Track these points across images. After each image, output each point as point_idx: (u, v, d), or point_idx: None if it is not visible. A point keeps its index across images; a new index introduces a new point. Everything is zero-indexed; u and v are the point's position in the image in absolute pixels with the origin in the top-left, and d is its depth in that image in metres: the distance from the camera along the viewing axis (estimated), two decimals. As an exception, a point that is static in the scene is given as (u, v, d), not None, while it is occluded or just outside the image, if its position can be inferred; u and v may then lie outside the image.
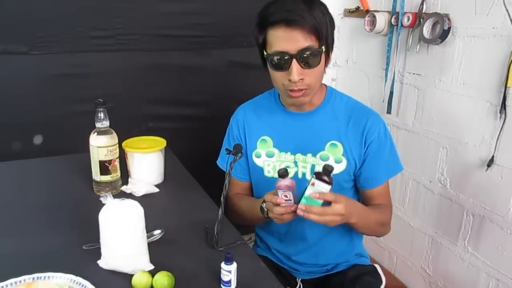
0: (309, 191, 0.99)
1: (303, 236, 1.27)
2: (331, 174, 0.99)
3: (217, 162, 1.36)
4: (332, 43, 1.12)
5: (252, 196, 1.34)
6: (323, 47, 1.07)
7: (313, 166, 1.20)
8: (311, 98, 1.15)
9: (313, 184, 0.98)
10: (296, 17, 1.02)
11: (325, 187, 0.98)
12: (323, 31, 1.06)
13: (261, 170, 1.26)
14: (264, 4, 1.10)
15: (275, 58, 1.07)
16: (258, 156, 1.26)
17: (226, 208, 1.06)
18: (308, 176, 1.21)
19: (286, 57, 1.05)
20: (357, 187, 1.26)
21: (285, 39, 1.05)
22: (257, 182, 1.30)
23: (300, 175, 1.22)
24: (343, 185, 1.22)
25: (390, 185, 1.27)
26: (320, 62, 1.08)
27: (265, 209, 1.10)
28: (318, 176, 0.98)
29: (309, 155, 1.20)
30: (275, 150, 1.23)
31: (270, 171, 1.25)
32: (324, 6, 1.10)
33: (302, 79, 1.07)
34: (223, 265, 0.89)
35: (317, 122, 1.21)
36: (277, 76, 1.10)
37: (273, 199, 1.03)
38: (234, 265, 0.89)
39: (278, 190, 1.02)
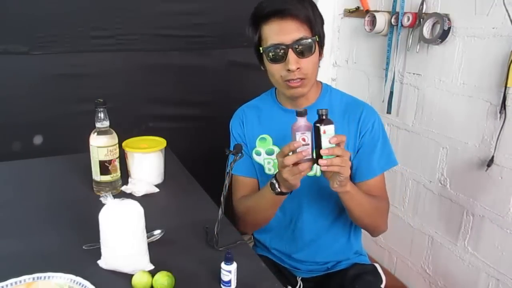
0: (325, 141, 0.94)
1: (302, 233, 1.28)
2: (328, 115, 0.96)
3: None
4: (323, 38, 1.17)
5: None
6: (317, 37, 1.12)
7: None
8: (308, 89, 1.17)
9: (324, 132, 0.95)
10: (289, 6, 1.08)
11: (331, 128, 0.95)
12: (315, 22, 1.11)
13: (261, 167, 1.27)
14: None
15: (272, 51, 1.12)
16: (258, 154, 1.26)
17: (228, 212, 1.05)
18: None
19: (282, 48, 1.10)
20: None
21: (279, 31, 1.10)
22: (258, 180, 1.31)
23: None
24: None
25: (390, 185, 1.27)
26: (314, 51, 1.12)
27: (275, 183, 1.07)
28: (321, 122, 0.95)
29: None
30: (275, 148, 1.24)
31: (271, 169, 1.26)
32: (313, 3, 1.15)
33: (299, 68, 1.11)
34: (223, 265, 0.89)
35: (314, 117, 1.21)
36: (275, 69, 1.14)
37: (289, 145, 0.97)
38: (234, 265, 0.89)
39: (296, 133, 0.96)
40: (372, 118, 1.21)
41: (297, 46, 1.09)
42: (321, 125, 0.96)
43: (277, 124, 1.25)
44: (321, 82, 1.27)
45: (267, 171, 1.26)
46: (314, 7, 1.14)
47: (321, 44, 1.16)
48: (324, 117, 0.96)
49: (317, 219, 1.27)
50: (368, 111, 1.22)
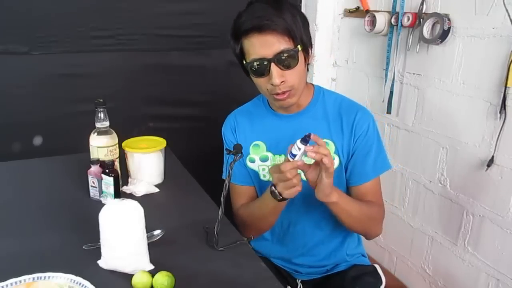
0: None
1: (302, 237, 1.27)
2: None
3: (222, 176, 1.35)
4: (309, 40, 1.14)
5: None
6: (299, 46, 1.08)
7: None
8: (297, 98, 1.16)
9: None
10: (266, 22, 1.04)
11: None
12: (296, 31, 1.07)
13: (256, 174, 1.27)
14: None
15: (254, 65, 1.09)
16: (252, 161, 1.26)
17: (228, 213, 1.05)
18: (303, 176, 1.21)
19: (264, 63, 1.07)
20: None
21: (260, 45, 1.06)
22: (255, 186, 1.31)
23: None
24: (337, 183, 1.21)
25: (390, 185, 1.27)
26: (298, 61, 1.09)
27: (276, 191, 1.06)
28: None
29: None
30: (269, 154, 1.24)
31: (266, 175, 1.25)
32: (293, 6, 1.11)
33: (283, 81, 1.08)
34: (298, 142, 0.97)
35: (307, 122, 1.21)
36: (260, 82, 1.12)
37: (288, 164, 1.01)
38: (307, 146, 0.97)
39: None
40: (367, 121, 1.19)
41: (279, 59, 1.06)
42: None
43: (269, 130, 1.24)
44: (313, 85, 1.26)
45: (262, 177, 1.26)
46: (294, 13, 1.09)
47: (306, 50, 1.12)
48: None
49: (318, 223, 1.26)
50: (363, 114, 1.20)
